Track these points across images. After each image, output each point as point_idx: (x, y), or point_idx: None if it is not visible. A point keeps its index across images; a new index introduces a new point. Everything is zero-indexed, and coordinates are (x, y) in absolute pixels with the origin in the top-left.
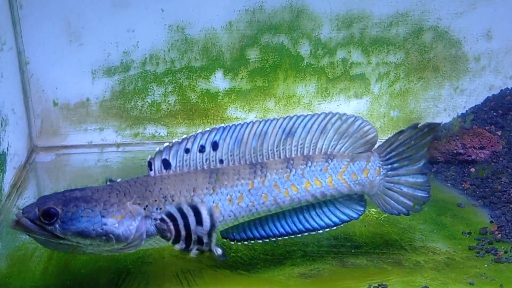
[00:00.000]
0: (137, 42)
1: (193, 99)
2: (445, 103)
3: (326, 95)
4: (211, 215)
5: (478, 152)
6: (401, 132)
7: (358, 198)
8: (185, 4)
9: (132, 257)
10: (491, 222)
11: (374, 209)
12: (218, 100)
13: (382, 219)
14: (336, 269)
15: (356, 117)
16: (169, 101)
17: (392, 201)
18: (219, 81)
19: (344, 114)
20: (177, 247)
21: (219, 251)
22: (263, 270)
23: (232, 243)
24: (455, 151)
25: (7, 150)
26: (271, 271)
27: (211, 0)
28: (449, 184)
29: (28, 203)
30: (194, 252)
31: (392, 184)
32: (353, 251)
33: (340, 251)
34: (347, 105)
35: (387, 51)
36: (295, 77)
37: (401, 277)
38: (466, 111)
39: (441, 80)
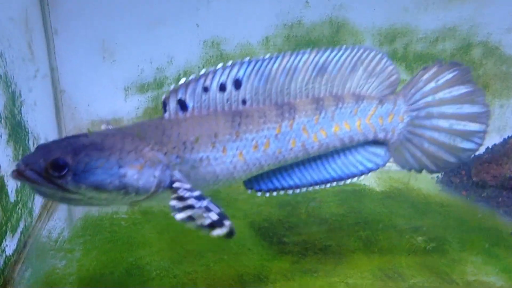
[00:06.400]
0: (171, 58)
1: None
2: (495, 123)
3: None
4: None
5: None
6: (425, 68)
7: (379, 145)
8: (221, 20)
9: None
10: None
11: (420, 237)
12: None
13: (430, 249)
14: None
15: (382, 54)
16: None
17: (408, 154)
18: None
19: (371, 48)
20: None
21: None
22: None
23: (259, 194)
24: (507, 175)
25: None
26: None
27: (248, 16)
28: (501, 211)
29: (59, 224)
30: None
31: (413, 136)
32: (400, 284)
33: (386, 284)
34: None
35: None
36: None
37: None
38: None
39: (491, 99)
